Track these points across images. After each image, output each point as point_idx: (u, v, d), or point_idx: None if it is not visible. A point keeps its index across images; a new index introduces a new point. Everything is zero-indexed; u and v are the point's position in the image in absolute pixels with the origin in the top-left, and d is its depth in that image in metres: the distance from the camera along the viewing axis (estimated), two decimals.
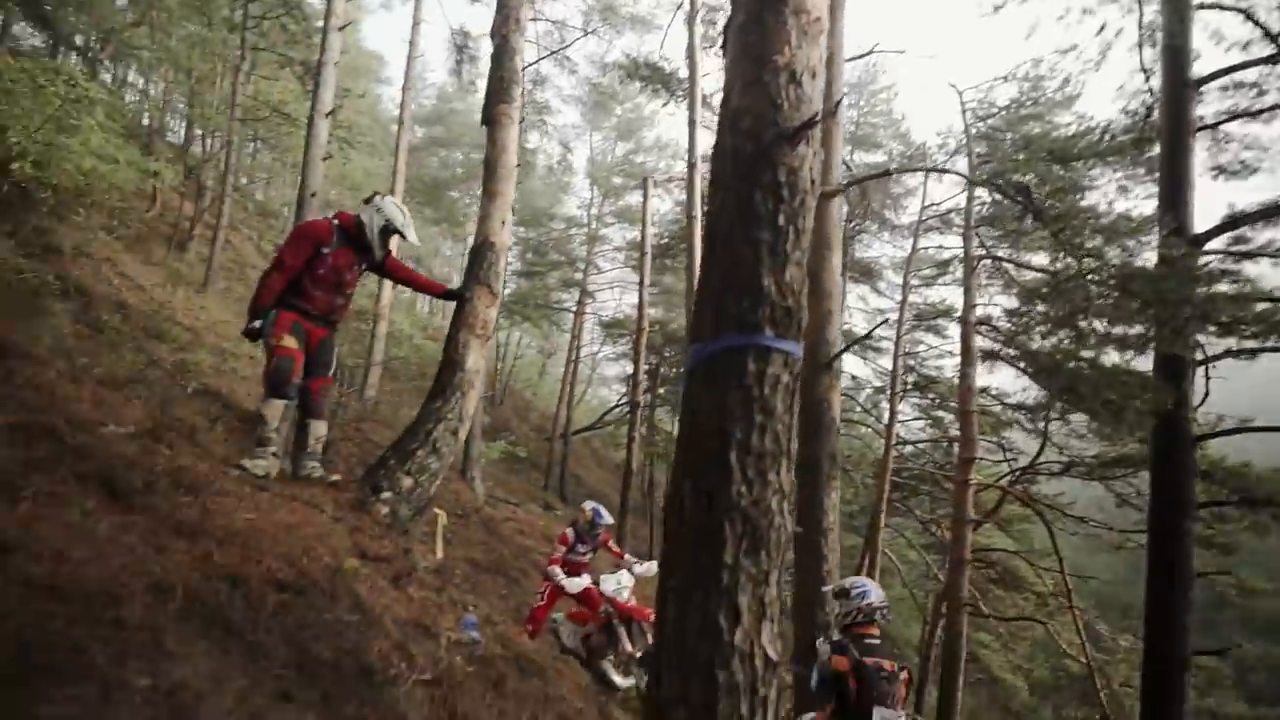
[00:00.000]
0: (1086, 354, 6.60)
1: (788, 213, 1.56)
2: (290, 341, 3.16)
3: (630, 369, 22.55)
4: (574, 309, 23.03)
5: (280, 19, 13.67)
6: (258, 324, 3.19)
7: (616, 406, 22.82)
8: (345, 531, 2.85)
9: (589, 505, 5.31)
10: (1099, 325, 5.55)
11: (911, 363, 16.42)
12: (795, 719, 4.18)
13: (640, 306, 12.85)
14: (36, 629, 1.20)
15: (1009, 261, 9.88)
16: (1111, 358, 6.70)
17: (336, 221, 3.51)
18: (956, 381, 12.08)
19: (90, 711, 1.12)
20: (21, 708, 1.04)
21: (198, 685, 1.37)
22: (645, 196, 13.18)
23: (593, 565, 5.62)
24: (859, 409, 17.25)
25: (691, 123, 9.39)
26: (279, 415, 3.16)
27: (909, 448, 16.38)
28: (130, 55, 18.33)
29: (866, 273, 17.47)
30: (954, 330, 14.25)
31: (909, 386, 15.69)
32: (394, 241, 3.68)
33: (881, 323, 5.27)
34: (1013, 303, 11.28)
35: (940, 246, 13.73)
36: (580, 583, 5.01)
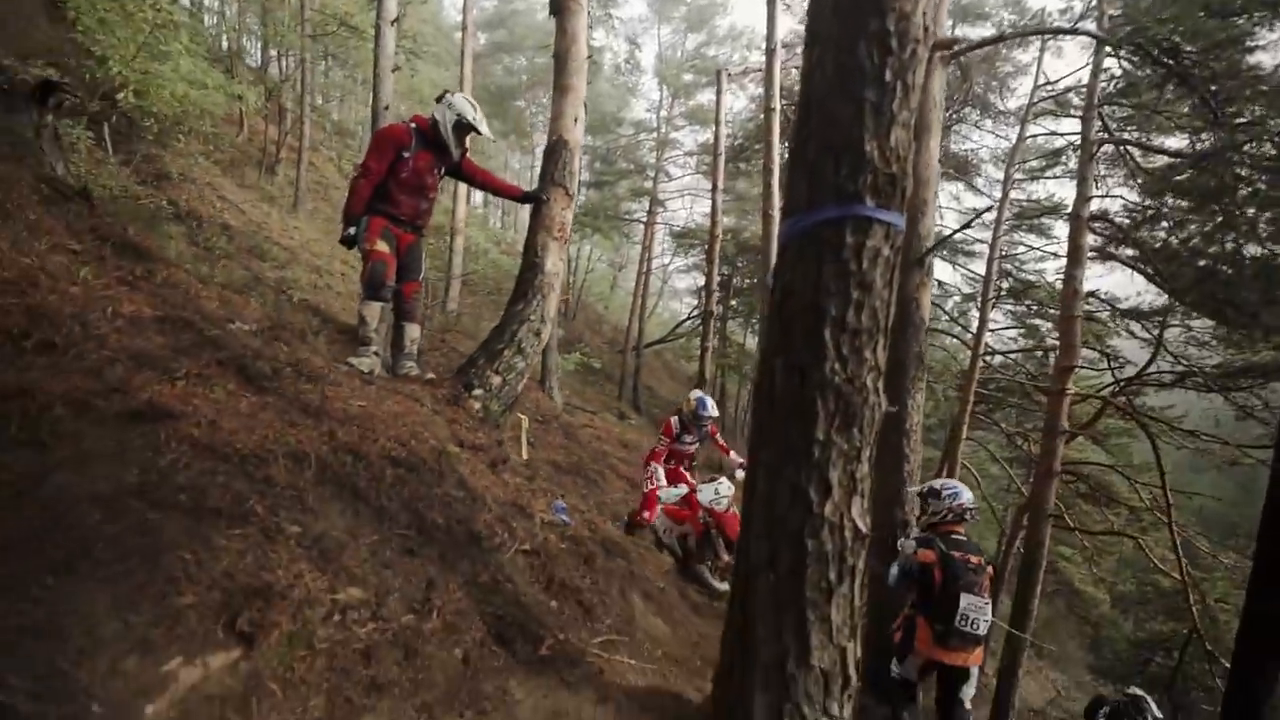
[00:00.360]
0: (1217, 249, 5.80)
1: (896, 66, 1.40)
2: (382, 246, 3.30)
3: (701, 280, 22.21)
4: (644, 219, 22.59)
5: None
6: (351, 231, 3.34)
7: (689, 319, 22.73)
8: (444, 423, 3.06)
9: (694, 394, 5.12)
10: (1248, 211, 4.82)
11: (1008, 267, 15.17)
12: (866, 618, 4.34)
13: (713, 213, 12.38)
14: (205, 479, 1.38)
15: (1137, 145, 8.65)
16: (1249, 251, 5.87)
17: (414, 125, 3.54)
18: (1059, 285, 11.10)
19: (256, 548, 1.30)
20: (201, 540, 1.23)
21: (337, 536, 1.55)
22: (719, 92, 12.34)
23: (700, 455, 5.77)
24: (945, 318, 16.32)
25: (770, 2, 8.52)
26: (377, 316, 3.36)
27: (998, 358, 15.50)
28: None
29: (962, 168, 15.91)
30: (1060, 230, 12.90)
31: (1002, 292, 14.59)
32: (469, 140, 3.68)
33: (985, 211, 4.76)
34: (1135, 195, 10.00)
35: (1051, 133, 12.16)
36: (676, 493, 4.87)
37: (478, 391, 3.53)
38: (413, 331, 3.66)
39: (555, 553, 2.53)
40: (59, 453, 1.25)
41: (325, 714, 1.14)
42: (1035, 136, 13.39)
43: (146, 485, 1.28)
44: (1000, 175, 14.50)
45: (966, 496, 3.53)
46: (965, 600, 3.13)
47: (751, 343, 25.70)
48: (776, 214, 8.26)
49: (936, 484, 3.66)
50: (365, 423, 2.21)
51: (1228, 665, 3.93)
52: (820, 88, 1.49)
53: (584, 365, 17.32)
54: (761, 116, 15.87)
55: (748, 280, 21.81)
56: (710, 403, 5.03)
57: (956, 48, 3.85)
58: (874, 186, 1.39)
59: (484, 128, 3.61)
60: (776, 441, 1.48)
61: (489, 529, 2.14)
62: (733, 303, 22.16)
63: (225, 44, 19.77)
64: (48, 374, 1.42)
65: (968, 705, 3.47)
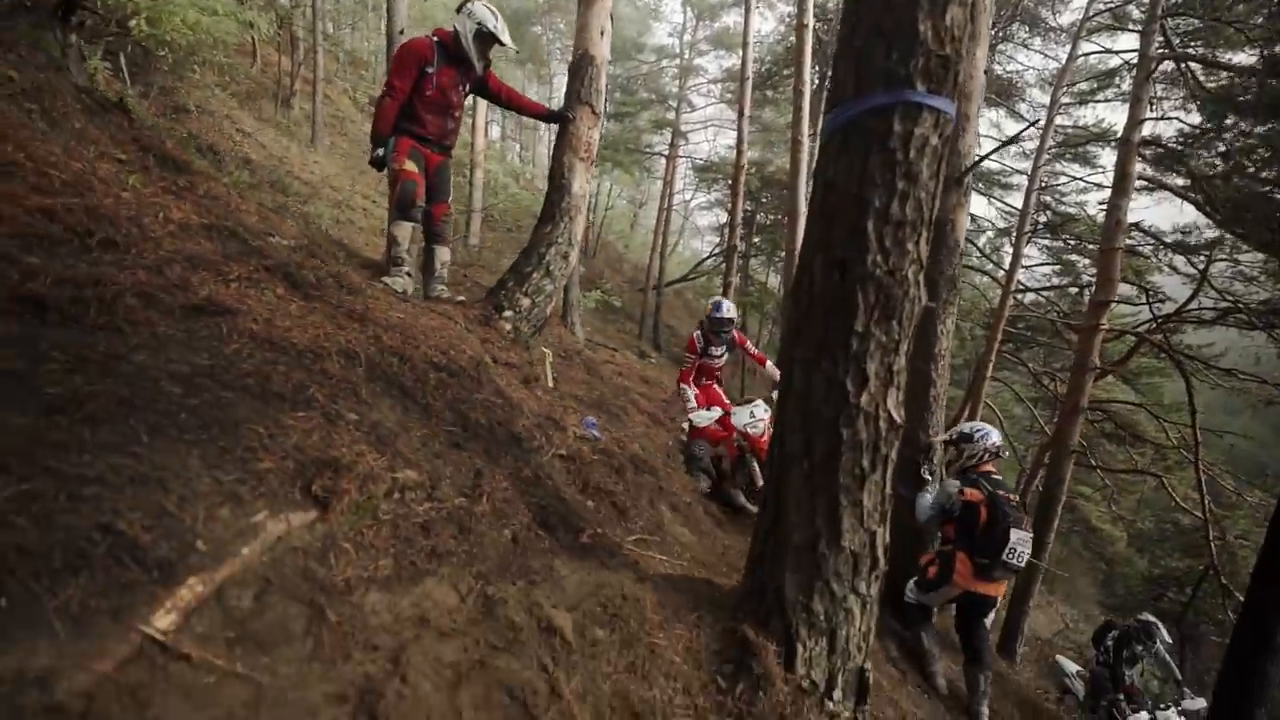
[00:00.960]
0: (1275, 174, 5.45)
1: None
2: (411, 165, 3.28)
3: (723, 217, 21.68)
4: (666, 153, 21.92)
5: None
6: (380, 152, 3.32)
7: (710, 256, 22.40)
8: (477, 340, 3.14)
9: (712, 299, 4.99)
10: None
11: (1047, 199, 14.53)
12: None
13: (739, 142, 11.92)
14: (268, 368, 1.46)
15: (1200, 61, 8.05)
16: None
17: (436, 38, 3.44)
18: (1101, 218, 10.62)
19: (320, 429, 1.39)
20: (271, 419, 1.31)
21: (390, 426, 1.64)
22: (747, 11, 11.66)
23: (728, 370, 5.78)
24: (976, 254, 15.83)
25: None
26: (408, 236, 3.38)
27: (1030, 295, 15.09)
28: None
29: (1004, 92, 15.02)
30: (1106, 159, 12.23)
31: (1039, 226, 14.04)
32: (491, 53, 3.59)
33: (1029, 125, 4.45)
34: (1192, 118, 9.38)
35: (1105, 51, 11.32)
36: (710, 416, 4.69)
37: (507, 313, 3.59)
38: (443, 254, 3.70)
39: (589, 461, 2.64)
40: (134, 338, 1.33)
41: (394, 573, 1.25)
42: (1087, 55, 12.49)
43: (216, 369, 1.36)
44: (1046, 99, 13.66)
45: (996, 435, 3.64)
46: (1015, 535, 3.24)
47: (774, 281, 25.32)
48: (806, 139, 7.95)
49: (966, 428, 3.72)
50: (406, 331, 2.28)
51: (1242, 599, 4.00)
52: None
53: (604, 303, 17.32)
54: (792, 38, 15.01)
55: (771, 216, 21.28)
56: (727, 305, 4.87)
57: None
58: (925, 70, 1.34)
59: (505, 37, 3.51)
60: (813, 337, 1.50)
61: (528, 432, 2.23)
62: (755, 239, 21.70)
63: None
64: (114, 268, 1.49)
65: (988, 626, 3.69)
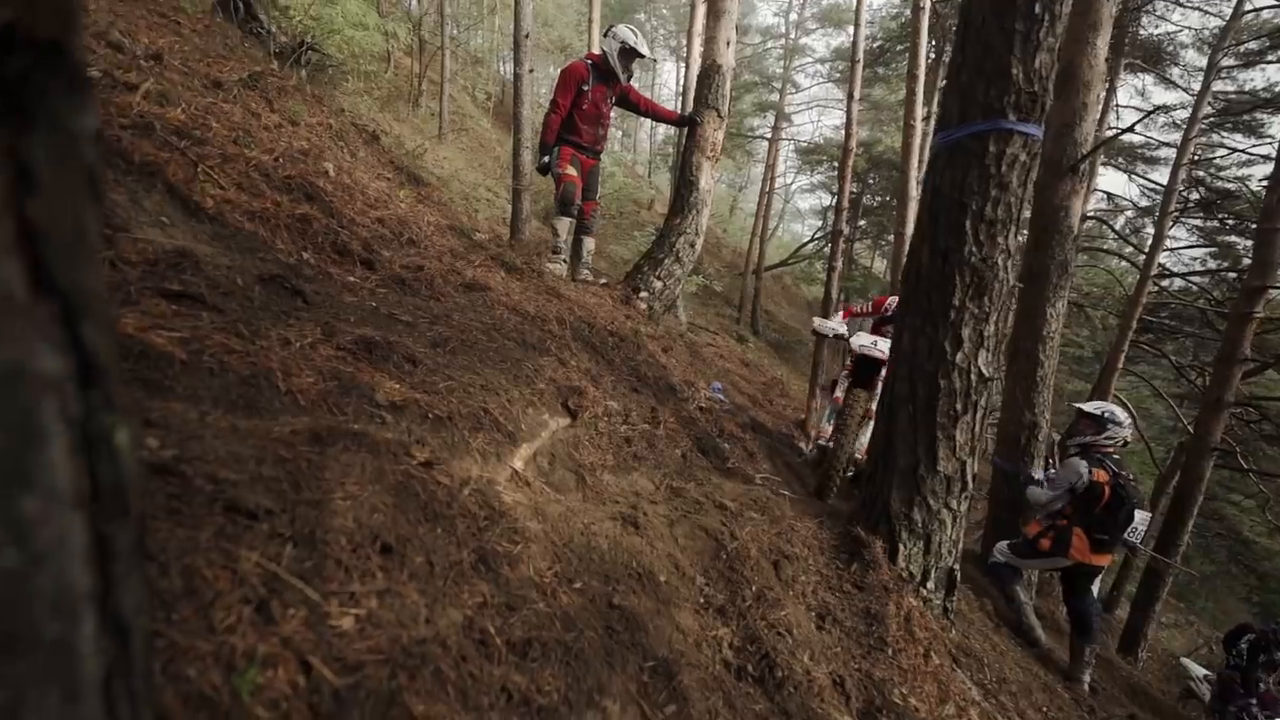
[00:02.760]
0: None
1: (1045, 1, 1.71)
2: (572, 170, 3.96)
3: (826, 200, 21.29)
4: (769, 136, 21.79)
5: None
6: (546, 159, 4.02)
7: (811, 240, 22.09)
8: (623, 316, 3.78)
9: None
10: None
11: (1200, 174, 13.15)
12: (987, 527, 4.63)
13: (848, 125, 11.86)
14: (521, 327, 2.14)
15: None
16: None
17: (590, 61, 4.08)
18: (1264, 193, 9.61)
19: (559, 368, 2.04)
20: (532, 359, 1.97)
21: (593, 371, 2.28)
22: None
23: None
24: (1111, 236, 14.61)
25: None
26: (567, 229, 4.08)
27: (1176, 282, 13.75)
28: None
29: (1152, 57, 13.67)
30: (1277, 128, 10.91)
31: (1189, 204, 12.76)
32: (635, 66, 4.18)
33: (1153, 111, 4.29)
34: None
35: (1276, 6, 10.11)
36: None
37: (643, 294, 4.20)
38: (589, 244, 4.37)
39: (720, 415, 3.20)
40: (448, 302, 2.04)
41: (615, 464, 1.87)
42: (1258, 10, 11.17)
43: (495, 325, 2.05)
44: (1203, 62, 12.32)
45: (1130, 428, 3.72)
46: (1139, 515, 3.42)
47: (879, 265, 24.51)
48: (919, 124, 7.94)
49: (1117, 411, 3.71)
50: (584, 306, 2.94)
51: None
52: (976, 19, 1.83)
53: (705, 288, 17.74)
54: (907, 13, 14.51)
55: (878, 198, 20.63)
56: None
57: None
58: (1016, 104, 1.75)
59: (645, 49, 4.08)
60: (920, 309, 1.96)
61: (680, 386, 2.83)
62: (861, 223, 21.14)
63: None
64: (420, 258, 2.22)
65: (1095, 594, 3.86)
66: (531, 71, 10.36)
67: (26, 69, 0.23)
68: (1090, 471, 3.52)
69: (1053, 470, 4.67)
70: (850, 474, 3.80)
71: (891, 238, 17.80)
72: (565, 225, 4.04)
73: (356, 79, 14.42)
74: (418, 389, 1.45)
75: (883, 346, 4.06)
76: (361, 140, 2.96)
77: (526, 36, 9.94)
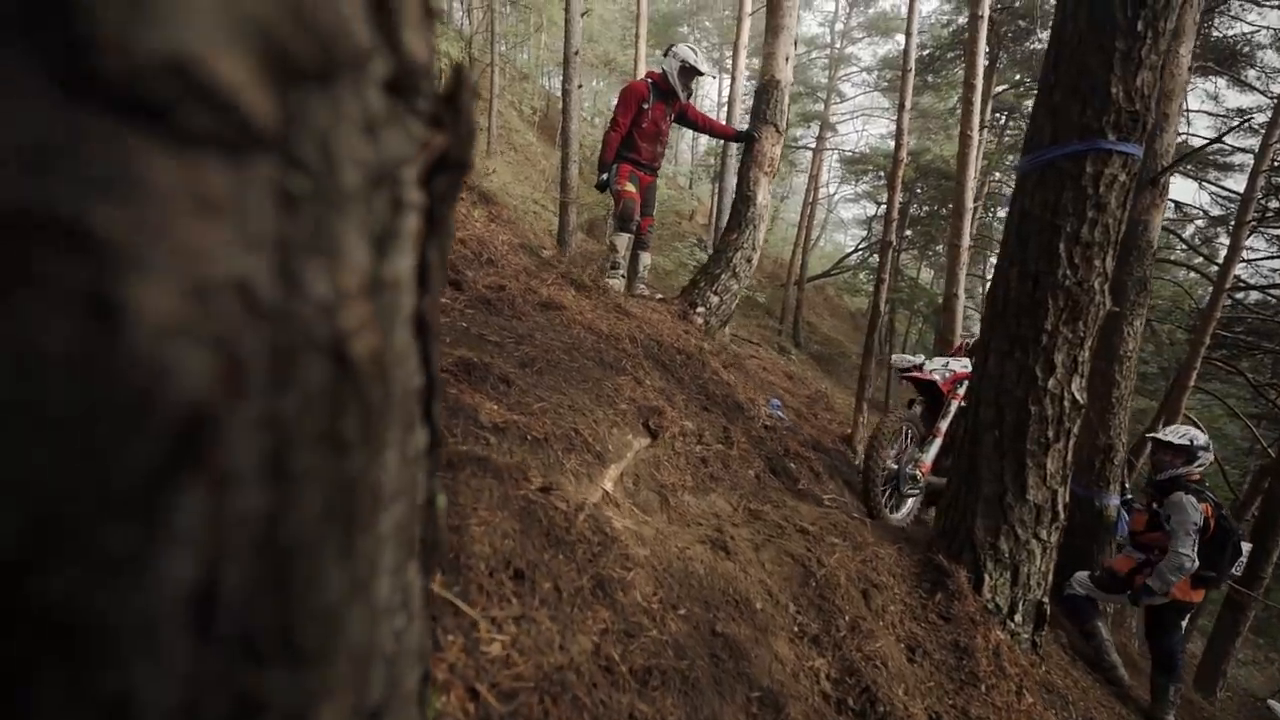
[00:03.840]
0: None
1: (1148, 17, 1.66)
2: (631, 187, 4.02)
3: (871, 210, 20.90)
4: (813, 145, 21.58)
5: None
6: (604, 176, 4.09)
7: (855, 251, 21.71)
8: (684, 332, 3.80)
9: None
10: None
11: None
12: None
13: (898, 135, 11.61)
14: (598, 346, 2.17)
15: None
16: None
17: (650, 80, 4.14)
18: None
19: (636, 385, 2.07)
20: (611, 379, 2.00)
21: (666, 390, 2.30)
22: None
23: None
24: (1180, 247, 13.88)
25: None
26: (625, 245, 4.13)
27: (1253, 295, 12.96)
28: None
29: (1227, 59, 12.97)
30: None
31: (1268, 214, 12.03)
32: (695, 84, 4.23)
33: (1240, 124, 4.08)
34: None
35: None
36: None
37: (700, 309, 4.21)
38: (646, 259, 4.42)
39: (783, 434, 3.17)
40: (529, 322, 2.10)
41: (694, 485, 1.88)
42: None
43: (574, 345, 2.09)
44: None
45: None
46: (1246, 547, 3.20)
47: (927, 276, 23.90)
48: (976, 134, 7.74)
49: (1200, 436, 3.45)
50: (649, 323, 2.97)
51: None
52: (1072, 38, 1.79)
53: (746, 299, 17.63)
54: (959, 21, 14.21)
55: (926, 208, 20.14)
56: None
57: None
58: (1117, 124, 1.70)
59: (705, 67, 4.14)
60: (1007, 332, 1.91)
61: (745, 403, 2.82)
62: (907, 233, 20.67)
63: None
64: (500, 278, 2.29)
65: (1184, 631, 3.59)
66: (580, 87, 10.54)
67: (444, 186, 0.26)
68: (1201, 505, 3.21)
69: (1130, 493, 4.45)
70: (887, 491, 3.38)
71: (940, 248, 17.27)
72: (624, 241, 4.09)
73: None
74: (514, 410, 1.49)
75: (930, 366, 3.78)
76: None
77: (576, 54, 10.13)
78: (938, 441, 3.36)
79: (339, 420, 0.19)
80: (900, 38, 13.43)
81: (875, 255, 15.02)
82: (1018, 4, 12.49)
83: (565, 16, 10.01)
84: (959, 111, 9.05)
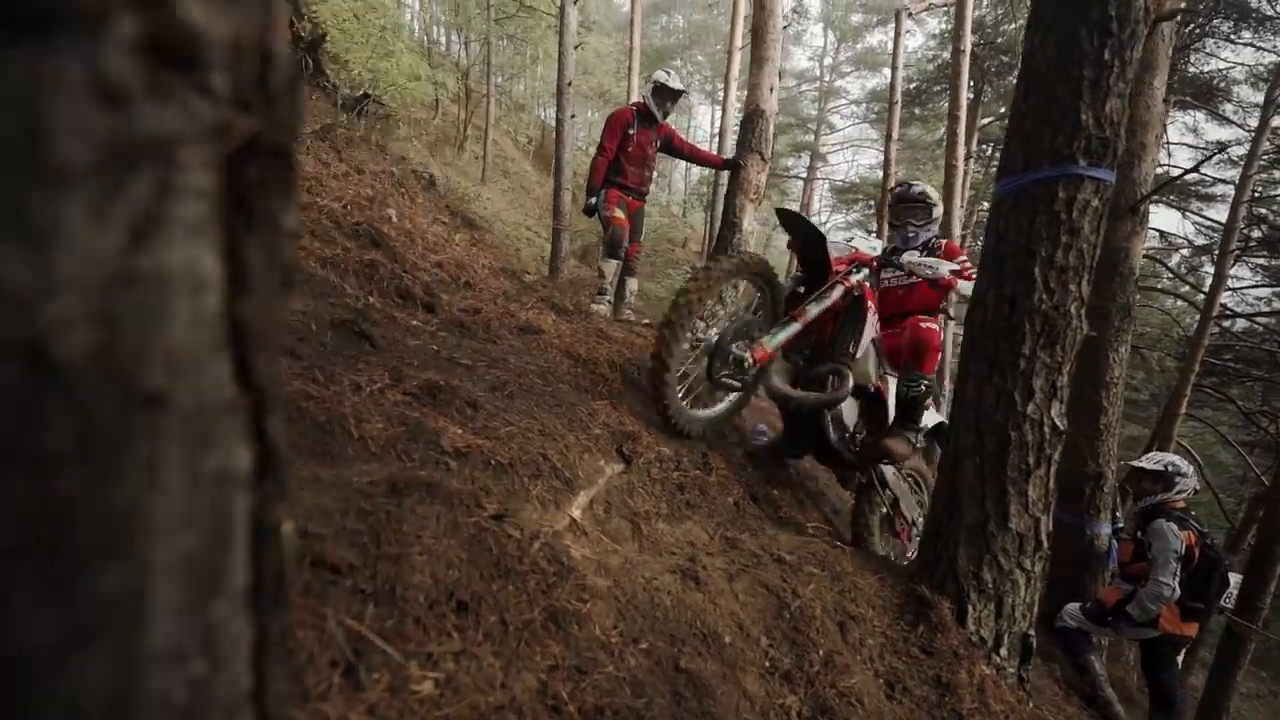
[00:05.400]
0: None
1: (1114, 46, 1.68)
2: (620, 213, 4.04)
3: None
4: (804, 175, 21.96)
5: None
6: (593, 201, 4.12)
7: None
8: None
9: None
10: None
11: (1262, 211, 12.63)
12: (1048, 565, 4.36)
13: (886, 165, 11.85)
14: (573, 370, 2.14)
15: None
16: None
17: (635, 107, 4.21)
18: None
19: (613, 410, 2.03)
20: (586, 403, 1.97)
21: (646, 414, 2.27)
22: (897, 34, 11.65)
23: None
24: (1167, 275, 14.07)
25: None
26: (614, 271, 4.13)
27: (1239, 323, 13.11)
28: None
29: (1204, 94, 13.34)
30: None
31: (1250, 243, 12.23)
32: (671, 104, 4.28)
33: (1215, 153, 4.17)
34: None
35: None
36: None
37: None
38: (632, 284, 4.42)
39: (768, 461, 3.12)
40: (504, 345, 2.07)
41: (669, 512, 1.83)
42: None
43: (548, 369, 2.06)
44: (1259, 98, 11.97)
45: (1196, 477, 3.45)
46: (1234, 578, 3.16)
47: None
48: (961, 163, 7.89)
49: (1179, 462, 3.44)
50: (632, 347, 2.94)
51: None
52: (1040, 67, 1.81)
53: None
54: (944, 56, 14.62)
55: None
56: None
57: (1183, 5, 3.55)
58: (1087, 149, 1.71)
59: (676, 84, 4.22)
60: (985, 356, 1.89)
61: (728, 428, 2.78)
62: (951, 314, 20.90)
63: (418, 32, 22.57)
64: (477, 301, 2.27)
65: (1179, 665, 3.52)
66: (573, 118, 10.72)
67: (259, 175, 0.24)
68: (1182, 533, 3.20)
69: (1120, 522, 4.40)
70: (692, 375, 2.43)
71: None
72: (612, 267, 4.09)
73: (407, 126, 15.18)
74: (480, 434, 1.45)
75: (834, 237, 2.83)
76: (420, 186, 3.09)
77: (569, 85, 10.28)
78: (794, 326, 2.37)
79: (38, 432, 0.16)
80: (887, 71, 13.80)
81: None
82: (1000, 40, 12.86)
83: (559, 49, 10.24)
84: (945, 143, 9.23)
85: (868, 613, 1.68)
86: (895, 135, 12.07)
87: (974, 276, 2.53)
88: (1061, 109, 1.74)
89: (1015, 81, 1.92)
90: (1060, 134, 1.74)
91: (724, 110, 12.57)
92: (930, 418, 2.98)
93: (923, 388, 2.65)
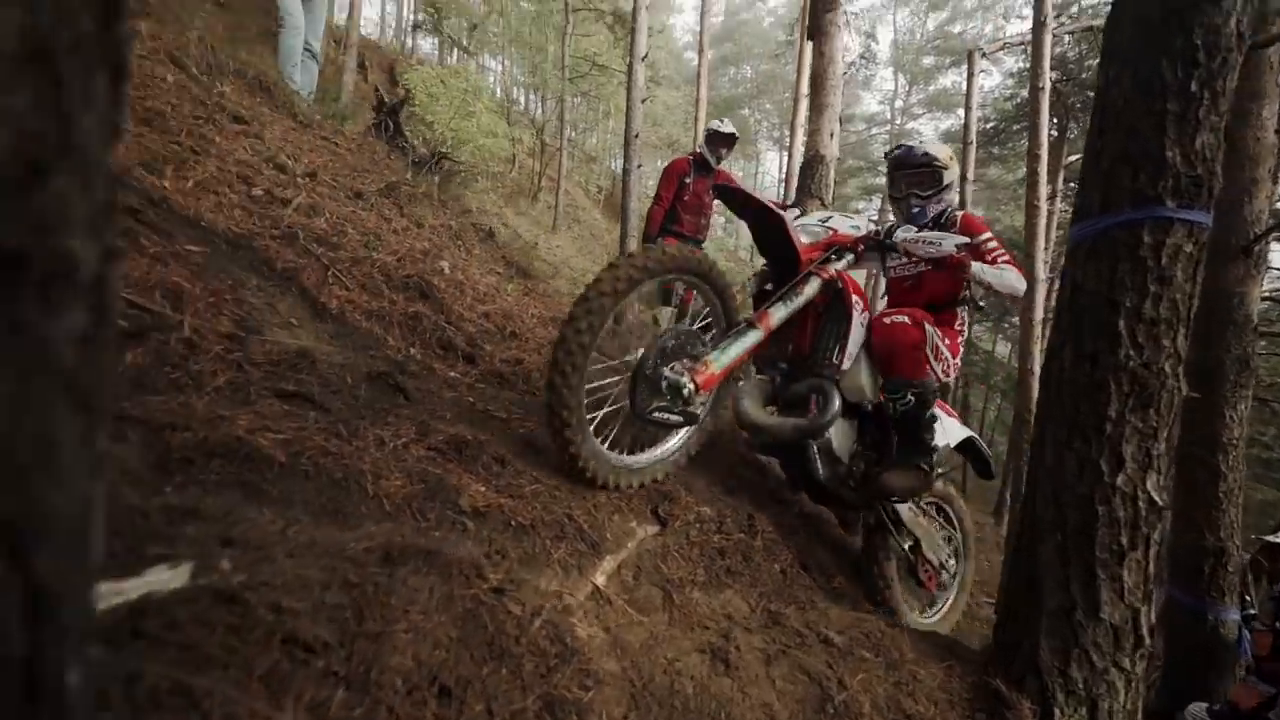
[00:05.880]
0: None
1: (1202, 77, 1.52)
2: None
3: None
4: (875, 218, 21.45)
5: None
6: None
7: None
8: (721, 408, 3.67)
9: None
10: None
11: None
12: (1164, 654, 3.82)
13: (962, 205, 11.41)
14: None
15: None
16: None
17: (691, 156, 4.26)
18: None
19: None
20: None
21: (685, 470, 2.17)
22: (970, 75, 11.36)
23: None
24: None
25: None
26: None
27: None
28: (487, 42, 23.19)
29: None
30: None
31: None
32: (725, 151, 4.32)
33: None
34: None
35: None
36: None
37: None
38: None
39: (823, 522, 2.92)
40: (540, 397, 2.05)
41: (706, 580, 1.71)
42: None
43: None
44: None
45: None
46: None
47: (1002, 350, 22.71)
48: (1044, 204, 7.45)
49: None
50: None
51: None
52: (1117, 102, 1.66)
53: None
54: (1022, 94, 14.09)
55: None
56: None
57: None
58: (1175, 189, 1.53)
59: (725, 127, 4.27)
60: (1064, 418, 1.69)
61: (779, 487, 2.62)
62: (980, 304, 19.88)
63: (499, 92, 24.26)
64: (521, 352, 2.28)
65: None
66: (640, 167, 11.08)
67: None
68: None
69: (1253, 607, 3.79)
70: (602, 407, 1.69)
71: (1016, 319, 16.41)
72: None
73: (485, 179, 16.14)
74: (503, 493, 1.41)
75: (807, 220, 2.35)
76: (478, 238, 3.20)
77: (636, 136, 10.64)
78: (752, 336, 1.87)
79: None
80: (961, 112, 13.43)
81: None
82: (1084, 76, 12.28)
83: (626, 104, 10.66)
84: (1026, 182, 8.78)
85: (929, 711, 1.48)
86: (971, 176, 11.64)
87: (1000, 260, 2.31)
88: (1144, 146, 1.58)
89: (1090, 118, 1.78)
90: (1143, 173, 1.57)
91: (790, 155, 12.59)
92: (951, 431, 2.50)
93: (910, 398, 2.15)
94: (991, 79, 17.95)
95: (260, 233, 1.81)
